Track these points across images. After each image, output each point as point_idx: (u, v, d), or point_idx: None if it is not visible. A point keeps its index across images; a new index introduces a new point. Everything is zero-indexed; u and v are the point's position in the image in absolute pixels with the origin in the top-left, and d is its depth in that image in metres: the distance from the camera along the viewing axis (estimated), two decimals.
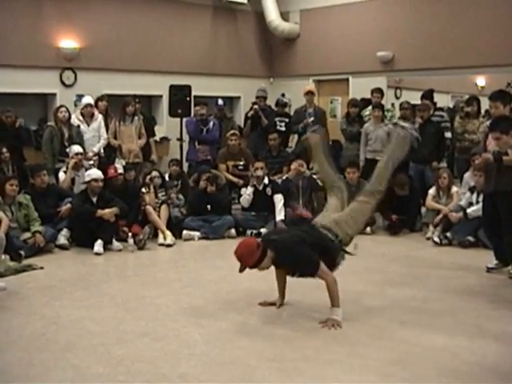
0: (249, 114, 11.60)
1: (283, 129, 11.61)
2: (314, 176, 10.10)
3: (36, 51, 10.93)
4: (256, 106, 11.41)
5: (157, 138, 11.56)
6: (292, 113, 11.96)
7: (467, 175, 9.19)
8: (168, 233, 8.65)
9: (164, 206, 9.04)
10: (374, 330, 5.27)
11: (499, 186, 6.65)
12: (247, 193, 9.49)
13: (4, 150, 9.06)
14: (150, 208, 8.84)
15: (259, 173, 9.45)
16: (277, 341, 5.03)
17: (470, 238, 8.43)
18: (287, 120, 11.66)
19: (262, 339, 5.07)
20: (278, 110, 11.83)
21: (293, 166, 9.89)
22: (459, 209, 8.63)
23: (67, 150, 9.38)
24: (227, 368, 4.45)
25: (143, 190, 9.11)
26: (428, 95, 11.39)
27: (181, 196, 9.65)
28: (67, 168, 9.20)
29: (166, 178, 9.86)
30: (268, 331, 5.27)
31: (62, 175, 9.23)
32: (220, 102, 11.60)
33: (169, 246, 8.50)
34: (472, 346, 4.90)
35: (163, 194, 9.43)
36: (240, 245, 5.45)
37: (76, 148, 9.28)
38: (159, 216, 8.88)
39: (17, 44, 10.69)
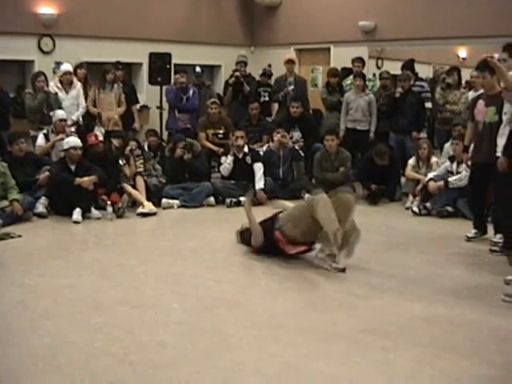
0: (230, 81, 11.53)
1: (266, 98, 11.61)
2: (296, 147, 10.11)
3: (13, 17, 10.70)
4: (238, 73, 11.35)
5: (137, 106, 11.46)
6: (273, 82, 11.90)
7: (447, 145, 9.22)
8: (147, 203, 8.58)
9: (138, 177, 8.96)
10: (352, 299, 5.31)
11: (492, 157, 6.58)
12: (227, 162, 9.46)
13: None
14: (126, 186, 8.77)
15: (240, 142, 9.43)
16: (254, 309, 5.06)
17: (449, 208, 8.47)
18: (269, 90, 11.65)
19: (239, 307, 5.09)
20: (262, 80, 11.78)
21: (276, 138, 9.87)
22: (439, 178, 8.65)
23: (51, 113, 9.26)
24: (205, 336, 4.46)
25: (121, 162, 9.02)
26: (409, 65, 11.40)
27: (158, 166, 9.59)
28: (48, 132, 9.11)
29: (146, 148, 9.79)
30: (245, 300, 5.28)
31: (41, 137, 9.12)
32: (198, 69, 11.53)
33: (149, 214, 8.44)
34: (449, 315, 4.94)
35: (141, 162, 9.36)
36: None
37: (60, 113, 9.17)
38: (135, 187, 8.82)
39: None
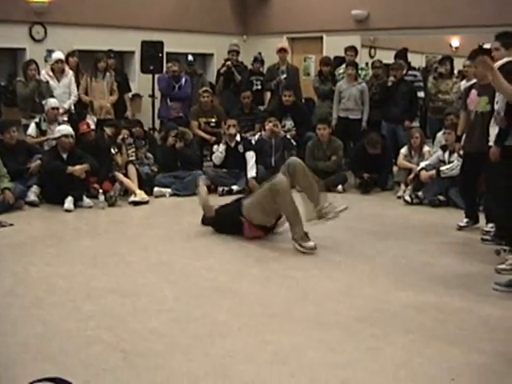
0: (221, 71, 11.53)
1: (259, 87, 11.59)
2: (288, 136, 10.10)
3: (4, 5, 10.61)
4: (229, 63, 11.34)
5: (129, 94, 11.43)
6: (265, 70, 11.90)
7: (440, 135, 9.23)
8: (139, 192, 8.57)
9: (130, 166, 8.94)
10: (343, 287, 5.33)
11: (484, 147, 6.57)
12: (219, 150, 9.45)
13: None
14: (118, 174, 8.76)
15: (232, 131, 9.41)
16: (246, 297, 5.07)
17: (441, 197, 8.49)
18: (262, 78, 11.63)
19: (231, 295, 5.10)
20: (254, 68, 11.77)
21: (267, 127, 9.85)
22: (431, 167, 8.66)
23: (43, 102, 9.23)
24: (196, 323, 4.48)
25: (112, 150, 9.00)
26: (402, 54, 11.41)
27: (149, 154, 9.58)
28: (40, 120, 9.09)
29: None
30: (237, 287, 5.29)
31: (33, 126, 9.08)
32: (190, 57, 11.53)
33: (141, 203, 8.44)
34: (439, 303, 4.96)
35: (133, 151, 9.34)
36: None
37: (53, 102, 9.14)
38: (127, 175, 8.81)
39: None
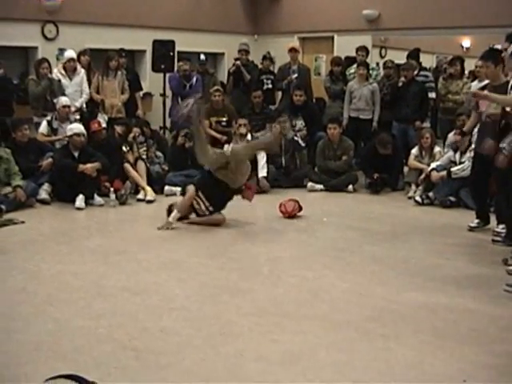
0: (231, 70, 11.55)
1: (270, 86, 11.58)
2: (297, 136, 10.09)
3: (16, 3, 10.64)
4: (238, 62, 11.35)
5: (140, 93, 11.45)
6: (276, 70, 11.90)
7: (451, 135, 9.20)
8: (148, 188, 8.61)
9: (140, 162, 8.96)
10: (355, 287, 5.32)
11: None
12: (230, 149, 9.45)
13: None
14: (128, 166, 8.78)
15: (242, 130, 9.43)
16: (256, 296, 5.07)
17: (452, 198, 8.46)
18: (273, 77, 11.63)
19: (242, 294, 5.10)
20: (264, 66, 11.77)
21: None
22: (442, 168, 8.64)
23: (54, 100, 9.27)
24: (207, 322, 4.48)
25: (124, 148, 9.02)
26: (414, 55, 11.38)
27: (159, 153, 9.60)
28: (52, 119, 9.12)
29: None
30: (248, 286, 5.30)
31: (44, 124, 9.11)
32: (202, 57, 11.54)
33: (149, 201, 8.47)
34: (450, 304, 4.96)
35: (144, 150, 9.36)
36: None
37: (64, 100, 9.17)
38: (137, 171, 8.83)
39: None
